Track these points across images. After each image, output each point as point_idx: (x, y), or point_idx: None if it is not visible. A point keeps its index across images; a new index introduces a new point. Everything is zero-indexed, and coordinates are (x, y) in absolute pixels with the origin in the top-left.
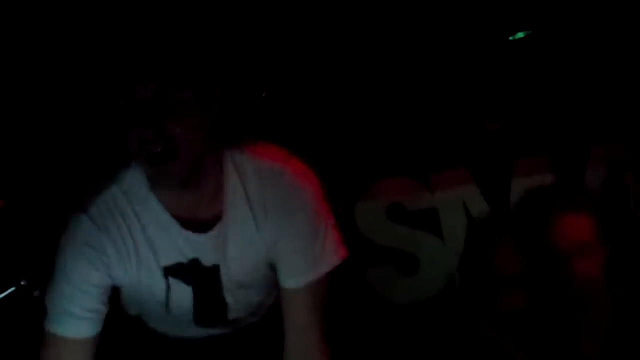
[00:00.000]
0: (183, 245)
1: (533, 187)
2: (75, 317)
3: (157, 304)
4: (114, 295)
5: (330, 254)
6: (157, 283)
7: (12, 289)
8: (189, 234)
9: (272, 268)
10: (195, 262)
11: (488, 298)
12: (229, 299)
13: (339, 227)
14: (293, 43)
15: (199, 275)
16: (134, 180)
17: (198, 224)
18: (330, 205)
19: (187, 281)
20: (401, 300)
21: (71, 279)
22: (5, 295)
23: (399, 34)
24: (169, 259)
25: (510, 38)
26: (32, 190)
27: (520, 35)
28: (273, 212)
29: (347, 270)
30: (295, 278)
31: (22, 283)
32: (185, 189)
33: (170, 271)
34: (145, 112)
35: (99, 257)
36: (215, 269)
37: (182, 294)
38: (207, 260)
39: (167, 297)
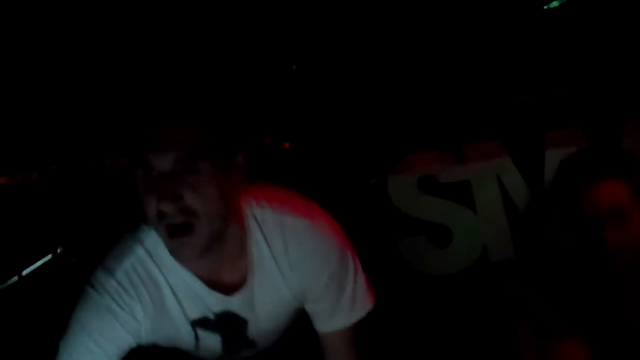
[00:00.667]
0: (211, 304)
1: (569, 155)
2: None
3: (185, 348)
4: None
5: (360, 302)
6: (185, 334)
7: (49, 256)
8: (215, 294)
9: (300, 306)
10: (223, 317)
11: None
12: (257, 338)
13: (366, 273)
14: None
15: (227, 326)
16: (157, 241)
17: (224, 285)
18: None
19: (215, 331)
20: (433, 272)
21: (93, 334)
22: (43, 263)
23: (431, 4)
24: (197, 314)
25: (545, 7)
26: (68, 159)
27: (555, 4)
28: (299, 267)
29: (379, 241)
30: (329, 324)
31: (58, 251)
32: (206, 257)
33: (199, 324)
34: (163, 185)
35: (127, 319)
36: (243, 321)
37: (211, 340)
38: (236, 315)
39: (196, 345)
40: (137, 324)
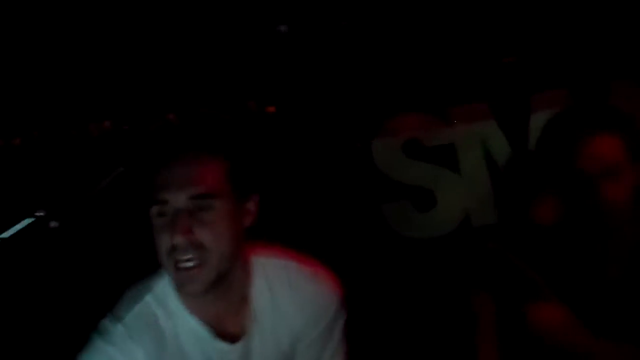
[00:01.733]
0: (213, 355)
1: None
2: None
3: None
4: None
5: (339, 357)
6: None
7: (29, 220)
8: (218, 343)
9: None
10: None
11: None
12: None
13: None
14: None
15: None
16: (165, 288)
17: (227, 334)
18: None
19: None
20: (416, 235)
21: None
22: (23, 227)
23: None
24: None
25: None
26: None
27: None
28: (302, 313)
29: (363, 205)
30: None
31: (38, 214)
32: (210, 297)
33: None
34: (177, 220)
35: None
36: None
37: None
38: None
39: None
40: None
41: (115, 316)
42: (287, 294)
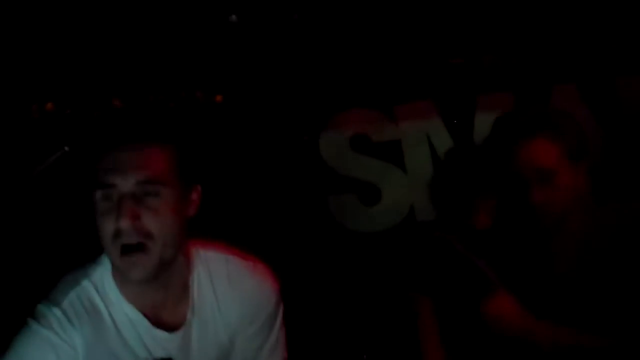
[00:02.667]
0: (152, 344)
1: (502, 115)
2: None
3: None
4: None
5: (279, 353)
6: None
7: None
8: (157, 332)
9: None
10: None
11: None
12: None
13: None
14: None
15: None
16: (103, 275)
17: (166, 323)
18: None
19: None
20: (360, 229)
21: (26, 359)
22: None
23: None
24: (138, 356)
25: None
26: None
27: None
28: (241, 306)
29: (309, 198)
30: None
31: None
32: (152, 286)
33: None
34: (122, 204)
35: (65, 349)
36: None
37: None
38: (175, 357)
39: None
40: (75, 357)
41: (51, 300)
42: (226, 288)
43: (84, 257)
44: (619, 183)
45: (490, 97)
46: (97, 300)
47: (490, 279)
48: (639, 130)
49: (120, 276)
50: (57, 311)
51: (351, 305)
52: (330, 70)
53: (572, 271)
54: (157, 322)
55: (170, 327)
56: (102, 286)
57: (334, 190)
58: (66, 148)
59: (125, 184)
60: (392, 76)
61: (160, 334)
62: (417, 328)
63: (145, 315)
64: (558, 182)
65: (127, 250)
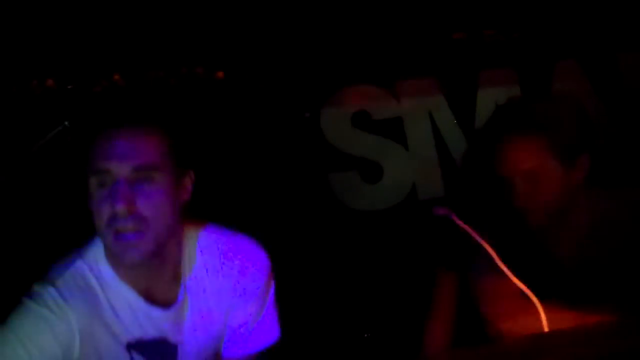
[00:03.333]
0: (146, 322)
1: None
2: None
3: None
4: None
5: (272, 327)
6: (120, 357)
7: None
8: (151, 310)
9: (222, 334)
10: (156, 342)
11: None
12: None
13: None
14: None
15: (160, 352)
16: (97, 255)
17: (160, 302)
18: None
19: (149, 357)
20: (362, 207)
21: (23, 340)
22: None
23: None
24: (133, 335)
25: None
26: None
27: None
28: (233, 281)
29: (310, 175)
30: (237, 350)
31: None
32: (145, 268)
33: (134, 347)
34: (118, 190)
35: (61, 327)
36: (175, 347)
37: None
38: (168, 337)
39: None
40: (70, 335)
41: (46, 280)
42: (217, 265)
43: (79, 236)
44: (621, 162)
45: (492, 73)
46: (92, 279)
47: (490, 257)
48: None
49: (113, 258)
50: (52, 290)
51: (353, 284)
52: (332, 46)
53: (577, 258)
54: (151, 301)
55: (163, 305)
56: (96, 266)
57: (335, 168)
58: (66, 123)
59: (120, 170)
60: (394, 52)
61: (155, 311)
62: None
63: (138, 293)
64: (544, 184)
65: (122, 235)
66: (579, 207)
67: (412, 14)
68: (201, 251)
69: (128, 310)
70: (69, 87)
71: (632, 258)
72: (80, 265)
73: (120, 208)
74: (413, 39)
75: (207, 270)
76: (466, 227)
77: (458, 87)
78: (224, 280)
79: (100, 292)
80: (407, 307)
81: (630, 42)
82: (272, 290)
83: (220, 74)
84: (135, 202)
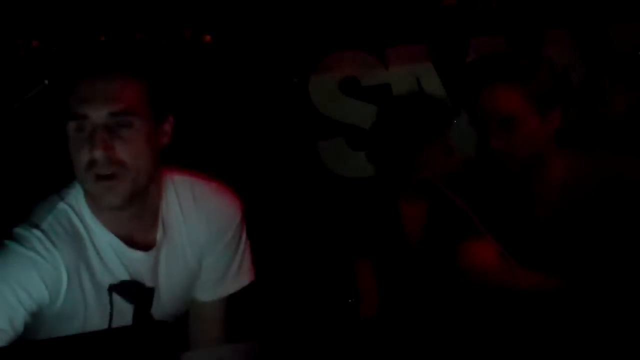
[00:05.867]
0: (126, 264)
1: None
2: None
3: (96, 322)
4: None
5: (246, 269)
6: (102, 302)
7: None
8: (132, 253)
9: (195, 278)
10: (136, 282)
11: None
12: (156, 317)
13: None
14: None
15: (140, 295)
16: (79, 199)
17: (139, 245)
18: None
19: (130, 300)
20: (350, 174)
21: (10, 281)
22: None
23: None
24: (114, 277)
25: None
26: None
27: None
28: (207, 223)
29: (298, 142)
30: (212, 291)
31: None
32: (125, 213)
33: (114, 288)
34: (96, 135)
35: (48, 269)
36: (151, 290)
37: (124, 312)
38: (145, 281)
39: (111, 316)
40: (58, 277)
41: (29, 223)
42: (192, 209)
43: (57, 180)
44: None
45: (482, 41)
46: (76, 221)
47: (473, 222)
48: (630, 77)
49: (93, 202)
50: (37, 232)
51: (338, 249)
52: (321, 11)
53: (552, 217)
54: (131, 244)
55: (143, 249)
56: (78, 208)
57: (323, 135)
58: (45, 82)
59: (98, 115)
60: (384, 18)
61: (136, 254)
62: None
63: (119, 237)
64: (519, 129)
65: (102, 178)
66: (553, 163)
67: None
68: (177, 195)
69: (110, 253)
70: (54, 48)
71: (599, 221)
72: (63, 207)
73: (99, 154)
74: (403, 5)
75: (182, 213)
76: (446, 190)
77: (447, 54)
78: (198, 223)
79: (85, 234)
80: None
81: (621, 13)
82: (244, 235)
83: (208, 38)
84: (114, 147)
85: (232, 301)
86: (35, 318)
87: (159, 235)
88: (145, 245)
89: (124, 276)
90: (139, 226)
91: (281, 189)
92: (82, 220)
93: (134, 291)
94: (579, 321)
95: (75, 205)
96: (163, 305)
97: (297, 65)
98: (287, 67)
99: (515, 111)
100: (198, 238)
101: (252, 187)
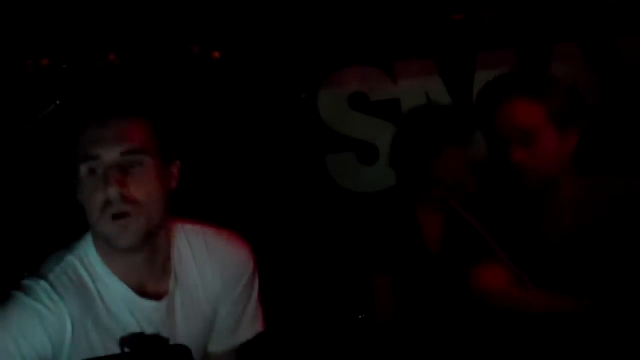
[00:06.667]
0: (137, 315)
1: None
2: None
3: None
4: None
5: (259, 318)
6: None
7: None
8: (143, 302)
9: (211, 326)
10: (150, 334)
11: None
12: None
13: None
14: None
15: (153, 347)
16: (88, 250)
17: (151, 295)
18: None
19: (142, 352)
20: (359, 189)
21: (14, 333)
22: None
23: None
24: (125, 329)
25: None
26: None
27: None
28: (221, 273)
29: (307, 157)
30: (227, 341)
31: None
32: (137, 258)
33: (126, 341)
34: (109, 174)
35: (53, 321)
36: (167, 341)
37: None
38: (161, 332)
39: None
40: (62, 330)
41: (37, 275)
42: (205, 257)
43: (69, 233)
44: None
45: (490, 55)
46: (83, 273)
47: (487, 242)
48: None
49: (105, 249)
50: (43, 284)
51: (348, 264)
52: (329, 26)
53: (565, 240)
54: (142, 293)
55: (154, 298)
56: (87, 260)
57: (332, 149)
58: (57, 102)
59: (110, 154)
60: (392, 33)
61: (146, 303)
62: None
63: (130, 286)
64: (539, 145)
65: (117, 217)
66: (566, 185)
67: None
68: (190, 244)
69: (120, 304)
70: (64, 66)
71: (615, 243)
72: (70, 259)
73: (113, 192)
74: (411, 20)
75: (195, 262)
76: (462, 211)
77: (455, 68)
78: (212, 272)
79: (91, 285)
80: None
81: (630, 25)
82: (257, 282)
83: (216, 54)
84: (128, 186)
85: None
86: None
87: (171, 284)
88: (156, 294)
89: (133, 326)
90: (151, 274)
91: (291, 205)
92: (90, 272)
93: (147, 344)
94: (594, 343)
95: (84, 257)
96: None
97: (306, 80)
98: (295, 82)
99: (536, 126)
100: (213, 287)
101: (264, 202)
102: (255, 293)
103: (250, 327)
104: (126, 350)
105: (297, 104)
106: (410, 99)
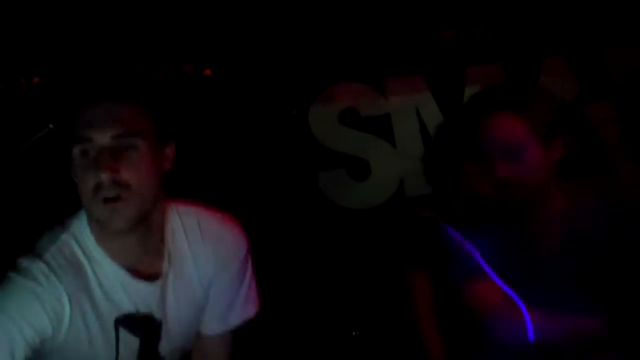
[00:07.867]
0: (133, 295)
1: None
2: None
3: (102, 356)
4: None
5: (252, 300)
6: (107, 335)
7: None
8: (137, 284)
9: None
10: (143, 314)
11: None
12: (165, 351)
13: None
14: None
15: (147, 328)
16: (83, 229)
17: (144, 276)
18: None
19: (137, 333)
20: (351, 205)
21: (13, 315)
22: None
23: None
24: (120, 309)
25: None
26: None
27: None
28: (214, 254)
29: (298, 173)
30: (219, 323)
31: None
32: (130, 239)
33: (121, 322)
34: (101, 158)
35: (50, 300)
36: (159, 323)
37: (131, 345)
38: (154, 313)
39: (117, 350)
40: (60, 309)
41: (32, 255)
42: (198, 239)
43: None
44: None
45: (480, 70)
46: (79, 252)
47: (476, 261)
48: (627, 102)
49: (98, 230)
50: (40, 263)
51: (341, 281)
52: (320, 43)
53: (555, 252)
54: (136, 274)
55: (148, 279)
56: (82, 239)
57: (324, 165)
58: (51, 126)
59: (102, 138)
60: (382, 49)
61: (141, 285)
62: (411, 302)
63: (124, 267)
64: (524, 159)
65: (108, 202)
66: (554, 198)
67: (400, 11)
68: (184, 226)
69: (115, 284)
70: (55, 85)
71: (606, 250)
72: (66, 238)
73: (105, 176)
74: (400, 36)
75: (188, 243)
76: (452, 229)
77: (445, 84)
78: (205, 254)
79: (87, 265)
80: (395, 305)
81: (617, 39)
82: (250, 265)
83: (208, 72)
84: (119, 170)
85: (237, 336)
86: (38, 351)
87: (164, 265)
88: (150, 276)
89: (128, 307)
90: (144, 256)
91: (282, 219)
92: (85, 251)
93: (141, 324)
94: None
95: (79, 235)
96: (172, 338)
97: (297, 97)
98: (286, 99)
99: (520, 139)
100: (205, 269)
101: (255, 219)
102: (248, 276)
103: (243, 310)
104: (120, 330)
105: (288, 120)
106: (401, 115)
